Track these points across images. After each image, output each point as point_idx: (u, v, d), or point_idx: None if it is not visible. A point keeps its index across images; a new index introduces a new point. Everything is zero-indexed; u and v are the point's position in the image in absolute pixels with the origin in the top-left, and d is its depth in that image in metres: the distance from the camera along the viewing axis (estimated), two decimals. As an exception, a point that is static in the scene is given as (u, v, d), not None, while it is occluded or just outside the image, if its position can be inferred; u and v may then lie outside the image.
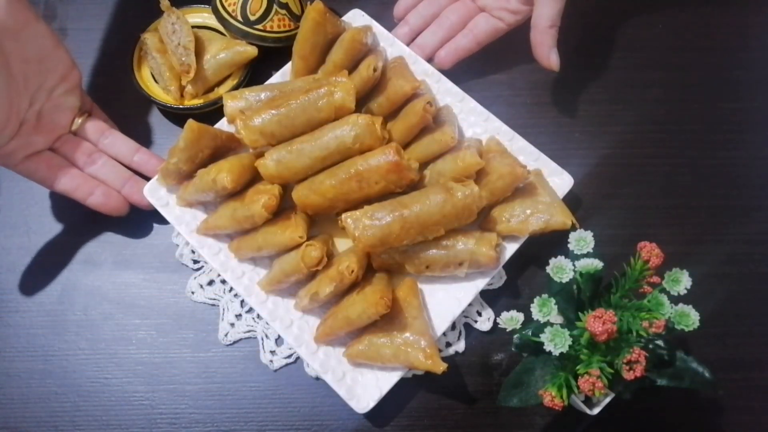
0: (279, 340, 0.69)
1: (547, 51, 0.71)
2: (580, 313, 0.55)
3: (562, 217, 0.66)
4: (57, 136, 0.69)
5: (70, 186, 0.68)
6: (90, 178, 0.69)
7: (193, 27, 0.76)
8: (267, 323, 0.68)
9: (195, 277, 0.71)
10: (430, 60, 0.77)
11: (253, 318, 0.70)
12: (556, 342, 0.52)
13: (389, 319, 0.62)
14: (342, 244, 0.70)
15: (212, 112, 0.75)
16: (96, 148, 0.71)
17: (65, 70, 0.67)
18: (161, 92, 0.77)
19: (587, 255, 0.54)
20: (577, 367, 0.52)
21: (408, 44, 0.78)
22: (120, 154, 0.72)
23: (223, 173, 0.64)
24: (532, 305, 0.54)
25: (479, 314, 0.70)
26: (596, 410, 0.59)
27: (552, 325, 0.53)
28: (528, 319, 0.55)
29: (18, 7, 0.61)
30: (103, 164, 0.70)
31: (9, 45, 0.61)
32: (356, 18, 0.77)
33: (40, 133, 0.67)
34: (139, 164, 0.72)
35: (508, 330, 0.56)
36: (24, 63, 0.63)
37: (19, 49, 0.62)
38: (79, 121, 0.70)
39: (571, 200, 0.71)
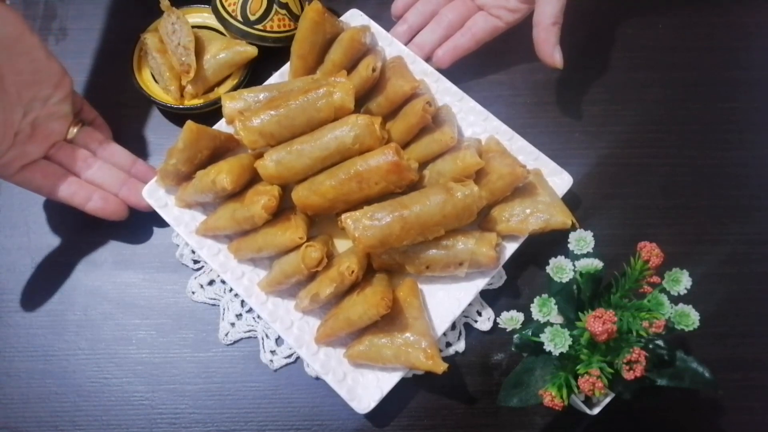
0: (279, 340, 0.69)
1: (551, 49, 0.71)
2: (580, 313, 0.55)
3: (562, 217, 0.66)
4: (51, 143, 0.69)
5: (67, 193, 0.68)
6: (87, 184, 0.69)
7: (193, 27, 0.76)
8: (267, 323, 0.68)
9: (195, 277, 0.71)
10: (428, 59, 0.77)
11: (254, 318, 0.70)
12: (556, 342, 0.52)
13: (390, 319, 0.62)
14: (342, 245, 0.70)
15: (212, 112, 0.75)
16: (91, 153, 0.71)
17: (57, 79, 0.67)
18: (161, 92, 0.77)
19: (587, 255, 0.54)
20: (577, 367, 0.52)
21: (406, 43, 0.78)
22: (117, 165, 0.71)
23: (223, 174, 0.64)
24: (532, 305, 0.54)
25: (479, 314, 0.70)
26: (596, 410, 0.59)
27: (552, 325, 0.53)
28: (528, 319, 0.55)
29: (11, 21, 0.61)
30: (98, 168, 0.70)
31: (2, 58, 0.61)
32: (354, 18, 0.77)
33: (34, 142, 0.67)
34: (136, 176, 0.72)
35: (508, 330, 0.56)
36: (17, 75, 0.63)
37: (12, 62, 0.62)
38: (75, 130, 0.70)
39: (570, 200, 0.71)
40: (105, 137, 0.73)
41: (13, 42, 0.61)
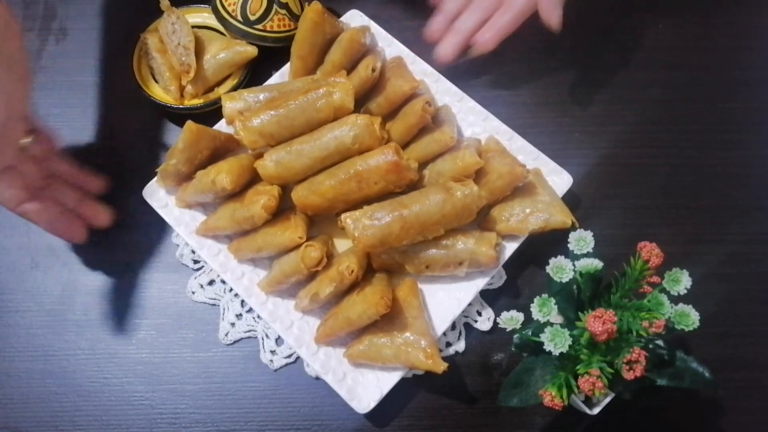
0: (279, 340, 0.69)
1: (552, 7, 0.70)
2: (580, 313, 0.55)
3: (562, 216, 0.66)
4: (15, 149, 0.62)
5: (31, 209, 0.64)
6: (51, 204, 0.65)
7: (193, 27, 0.76)
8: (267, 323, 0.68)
9: (195, 277, 0.71)
10: (469, 46, 0.74)
11: (254, 317, 0.70)
12: (556, 342, 0.52)
13: (389, 319, 0.62)
14: (342, 245, 0.70)
15: (212, 113, 0.75)
16: (48, 169, 0.67)
17: (23, 73, 0.60)
18: (161, 92, 0.77)
19: (587, 255, 0.54)
20: (577, 367, 0.52)
21: (445, 30, 0.74)
22: (65, 174, 0.68)
23: (223, 174, 0.64)
24: (532, 305, 0.54)
25: (479, 314, 0.70)
26: (596, 410, 0.59)
27: (552, 325, 0.53)
28: (528, 319, 0.55)
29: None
30: (57, 188, 0.67)
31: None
32: (354, 18, 0.77)
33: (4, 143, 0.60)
34: (85, 185, 0.69)
35: (508, 330, 0.56)
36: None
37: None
38: (29, 140, 0.65)
39: (570, 200, 0.71)
40: (55, 148, 0.68)
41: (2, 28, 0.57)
